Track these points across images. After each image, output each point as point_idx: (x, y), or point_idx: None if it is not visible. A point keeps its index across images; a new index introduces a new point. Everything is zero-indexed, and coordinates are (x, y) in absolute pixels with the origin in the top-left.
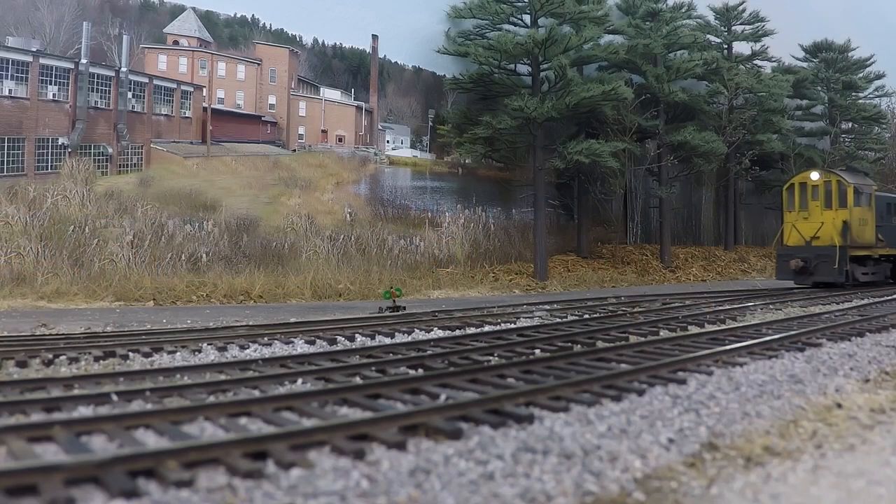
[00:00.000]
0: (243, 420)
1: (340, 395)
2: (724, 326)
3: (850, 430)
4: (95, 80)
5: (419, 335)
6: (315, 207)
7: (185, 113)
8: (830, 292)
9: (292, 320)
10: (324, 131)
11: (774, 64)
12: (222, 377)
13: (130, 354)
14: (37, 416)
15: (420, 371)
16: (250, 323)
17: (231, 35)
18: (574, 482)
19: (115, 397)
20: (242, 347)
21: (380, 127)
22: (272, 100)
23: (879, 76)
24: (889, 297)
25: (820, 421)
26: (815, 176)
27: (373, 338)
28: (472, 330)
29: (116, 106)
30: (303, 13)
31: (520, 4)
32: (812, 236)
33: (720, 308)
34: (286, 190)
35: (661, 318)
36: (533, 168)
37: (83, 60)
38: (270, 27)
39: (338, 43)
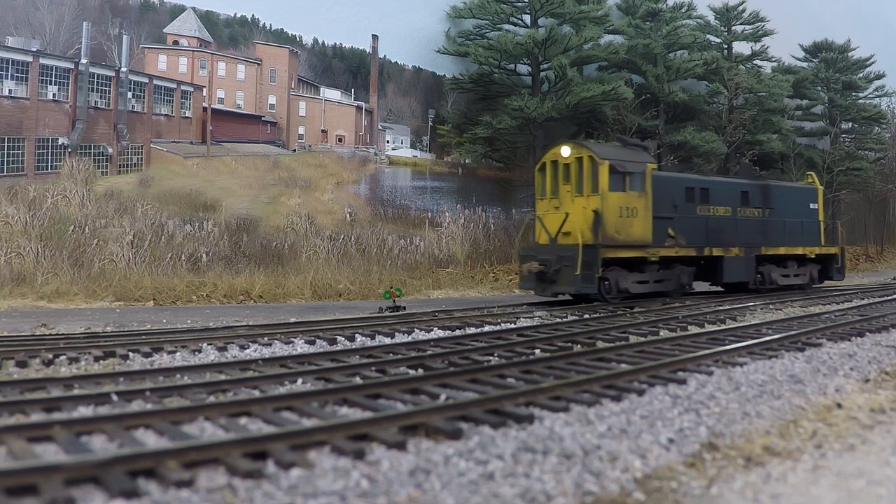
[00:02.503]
0: (243, 420)
1: (340, 395)
2: (724, 326)
3: (850, 430)
4: (95, 80)
5: (419, 335)
6: (315, 207)
7: (185, 113)
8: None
9: (292, 320)
10: (324, 131)
11: (774, 64)
12: (222, 377)
13: (130, 354)
14: (37, 416)
15: (420, 371)
16: (250, 323)
17: (231, 35)
18: (574, 482)
19: (115, 397)
20: (242, 347)
21: (380, 127)
22: (272, 100)
23: (879, 76)
24: (889, 297)
25: (820, 421)
26: (565, 151)
27: (373, 338)
28: (472, 330)
29: (116, 106)
30: (303, 13)
31: (520, 4)
32: (557, 231)
33: (720, 308)
34: (286, 190)
35: (661, 318)
36: (533, 168)
37: (83, 60)
38: (270, 27)
39: (338, 43)
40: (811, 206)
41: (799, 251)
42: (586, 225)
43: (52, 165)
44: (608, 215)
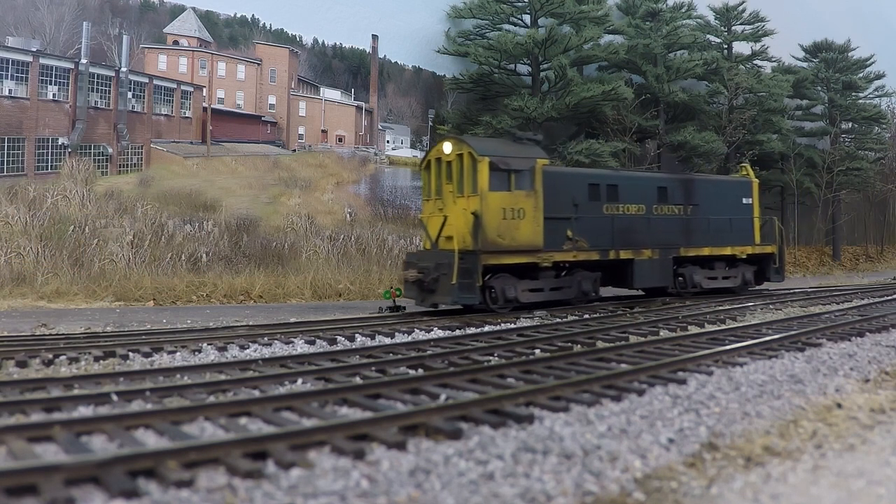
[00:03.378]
0: (243, 420)
1: (340, 395)
2: (724, 326)
3: (850, 430)
4: (95, 80)
5: (419, 335)
6: (315, 207)
7: (185, 113)
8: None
9: (292, 320)
10: (324, 131)
11: (774, 64)
12: (222, 377)
13: (130, 354)
14: (37, 416)
15: (420, 371)
16: (250, 323)
17: (231, 35)
18: (574, 482)
19: (115, 397)
20: (242, 347)
21: (380, 127)
22: (272, 100)
23: (879, 76)
24: (889, 297)
25: (820, 421)
26: (447, 147)
27: (373, 338)
28: (472, 330)
29: (116, 106)
30: (303, 13)
31: (520, 4)
32: (438, 236)
33: (720, 308)
34: (286, 190)
35: (661, 318)
36: None
37: (83, 60)
38: (270, 27)
39: (338, 43)
40: (744, 201)
41: (727, 251)
42: (466, 229)
43: (52, 165)
44: (489, 218)
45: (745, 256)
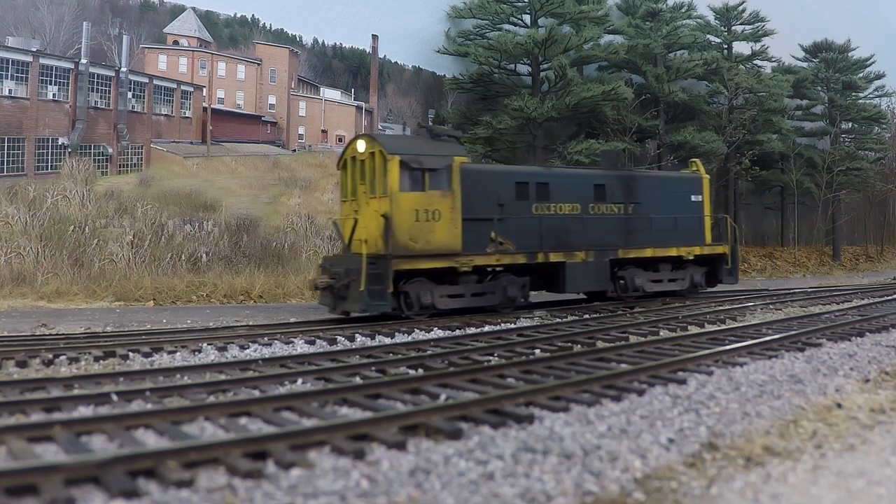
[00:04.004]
0: (243, 420)
1: (340, 395)
2: (724, 326)
3: (850, 430)
4: (95, 80)
5: (419, 335)
6: (315, 207)
7: (185, 113)
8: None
9: (292, 320)
10: (324, 131)
11: (774, 64)
12: (222, 377)
13: (130, 354)
14: (37, 416)
15: (420, 371)
16: (250, 323)
17: (231, 35)
18: (574, 482)
19: (115, 397)
20: (242, 347)
21: (380, 127)
22: (272, 100)
23: (879, 76)
24: (889, 297)
25: (820, 421)
26: (360, 145)
27: (373, 338)
28: (472, 330)
29: (116, 106)
30: (303, 13)
31: (520, 4)
32: (350, 238)
33: (720, 308)
34: (286, 190)
35: (661, 318)
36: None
37: (83, 60)
38: (270, 27)
39: (338, 43)
40: (693, 198)
41: (672, 252)
42: (378, 232)
43: (52, 165)
44: (400, 220)
45: (692, 257)
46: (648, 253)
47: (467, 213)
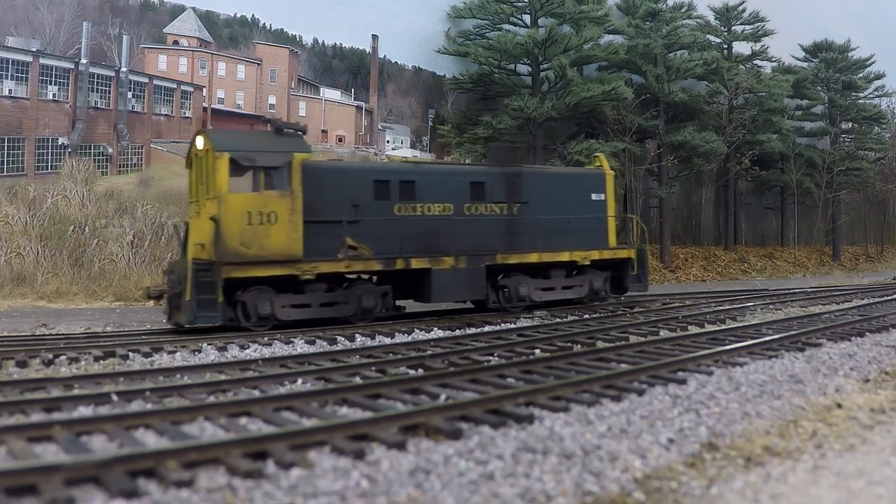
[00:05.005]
0: (243, 420)
1: (340, 395)
2: (724, 326)
3: (850, 430)
4: (95, 80)
5: (419, 335)
6: None
7: (185, 113)
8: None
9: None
10: (324, 131)
11: (774, 64)
12: (222, 377)
13: (130, 354)
14: (37, 416)
15: (420, 371)
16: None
17: (231, 35)
18: (574, 482)
19: (115, 397)
20: (242, 347)
21: (380, 127)
22: (272, 100)
23: (879, 76)
24: (889, 297)
25: (820, 421)
26: (199, 142)
27: (373, 338)
28: (472, 330)
29: (116, 106)
30: (303, 13)
31: (520, 4)
32: (184, 243)
33: (720, 308)
34: None
35: (661, 318)
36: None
37: (83, 60)
38: (270, 27)
39: (338, 43)
40: (594, 197)
41: (564, 257)
42: (211, 236)
43: (52, 165)
44: (229, 223)
45: (588, 263)
46: (534, 258)
47: (312, 214)
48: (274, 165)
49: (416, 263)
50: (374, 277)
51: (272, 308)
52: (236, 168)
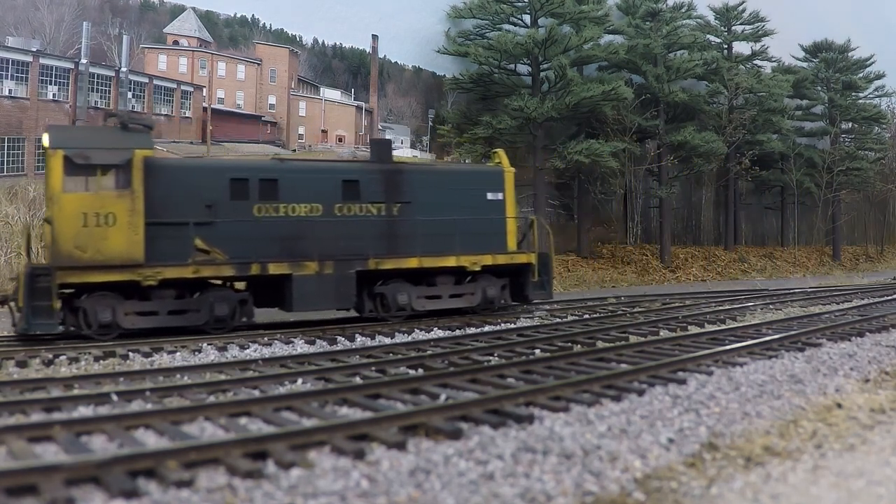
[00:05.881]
0: (243, 420)
1: (340, 395)
2: (724, 326)
3: (850, 430)
4: (95, 80)
5: (419, 335)
6: None
7: (185, 113)
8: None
9: (292, 320)
10: (324, 131)
11: (774, 64)
12: (222, 377)
13: (130, 354)
14: (37, 416)
15: (420, 371)
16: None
17: (231, 35)
18: (574, 482)
19: (115, 397)
20: (242, 347)
21: (380, 127)
22: (272, 100)
23: (879, 76)
24: (889, 297)
25: (820, 421)
26: (45, 139)
27: (373, 338)
28: (472, 330)
29: (116, 106)
30: (303, 13)
31: (520, 4)
32: (28, 245)
33: (720, 308)
34: None
35: (661, 318)
36: (533, 168)
37: (83, 60)
38: (270, 27)
39: (338, 43)
40: (490, 196)
41: (450, 262)
42: (49, 238)
43: None
44: (63, 225)
45: (479, 269)
46: (413, 263)
47: (157, 216)
48: (112, 163)
49: (274, 269)
50: (242, 284)
51: (114, 316)
52: (71, 166)
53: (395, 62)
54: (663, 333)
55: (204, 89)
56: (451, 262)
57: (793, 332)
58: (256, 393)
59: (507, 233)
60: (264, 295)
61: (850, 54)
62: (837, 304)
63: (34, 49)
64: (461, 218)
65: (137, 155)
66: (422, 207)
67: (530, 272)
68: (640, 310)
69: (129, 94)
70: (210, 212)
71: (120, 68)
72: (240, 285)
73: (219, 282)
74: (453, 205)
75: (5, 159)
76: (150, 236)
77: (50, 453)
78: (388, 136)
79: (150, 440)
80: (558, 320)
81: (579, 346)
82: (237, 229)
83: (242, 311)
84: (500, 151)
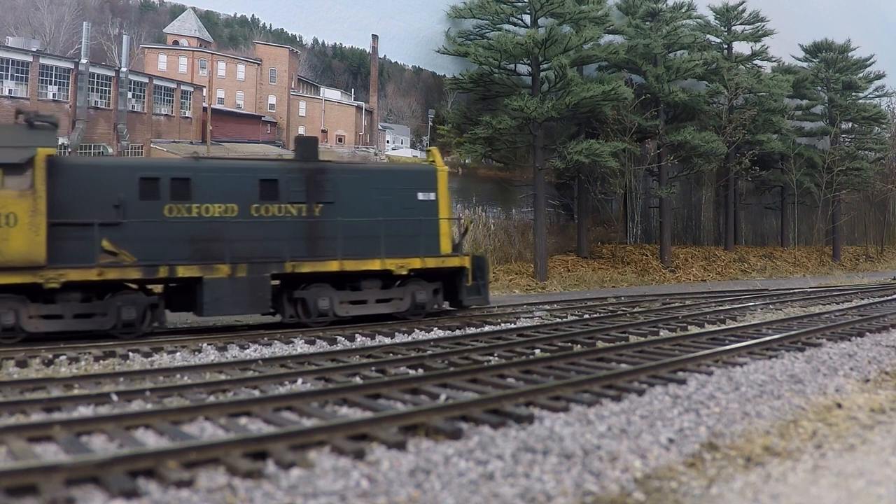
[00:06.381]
0: (243, 420)
1: (340, 395)
2: (724, 326)
3: (850, 430)
4: (95, 80)
5: (419, 335)
6: None
7: (185, 113)
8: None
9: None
10: (324, 131)
11: (774, 64)
12: (222, 377)
13: (130, 354)
14: (37, 416)
15: (420, 371)
16: (250, 322)
17: (231, 35)
18: (574, 482)
19: (115, 397)
20: (242, 347)
21: (380, 127)
22: (272, 100)
23: (879, 76)
24: (889, 297)
25: (820, 421)
26: None
27: (373, 338)
28: (472, 330)
29: (116, 106)
30: (303, 13)
31: (520, 4)
32: None
33: (720, 308)
34: None
35: (661, 318)
36: (533, 168)
37: (83, 60)
38: (270, 27)
39: (338, 43)
40: (420, 196)
41: (375, 266)
42: None
43: None
44: None
45: (407, 272)
46: (334, 266)
47: (60, 216)
48: (12, 162)
49: (183, 271)
50: (160, 288)
51: (17, 319)
52: None
53: (395, 62)
54: (663, 333)
55: (204, 89)
56: (375, 265)
57: (793, 332)
58: (256, 393)
59: (439, 235)
60: (178, 299)
61: (850, 54)
62: (837, 304)
63: (34, 49)
64: (388, 219)
65: (40, 153)
66: (345, 208)
67: (464, 276)
68: (640, 310)
69: (129, 94)
70: (118, 212)
71: (120, 68)
72: (158, 289)
73: (134, 285)
74: (380, 205)
75: None
76: (54, 237)
77: (50, 453)
78: (388, 136)
79: (150, 440)
80: (558, 320)
81: (579, 346)
82: (146, 230)
83: (153, 315)
84: (434, 149)
